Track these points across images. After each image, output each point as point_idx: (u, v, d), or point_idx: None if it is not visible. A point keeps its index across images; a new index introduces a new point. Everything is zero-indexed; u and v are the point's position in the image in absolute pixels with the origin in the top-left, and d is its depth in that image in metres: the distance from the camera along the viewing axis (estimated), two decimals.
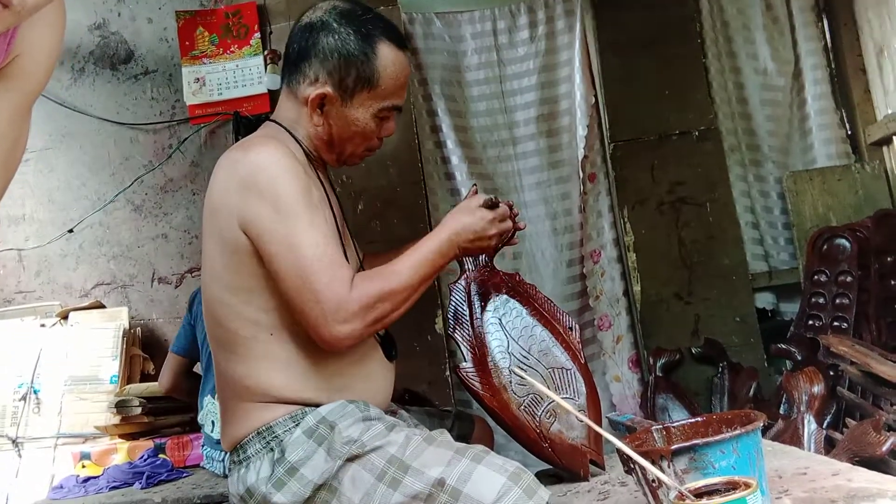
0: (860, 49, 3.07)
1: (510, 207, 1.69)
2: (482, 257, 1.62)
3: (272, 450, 1.30)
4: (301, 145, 1.42)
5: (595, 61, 3.03)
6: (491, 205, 1.44)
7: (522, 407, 1.51)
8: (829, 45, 3.19)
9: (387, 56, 1.40)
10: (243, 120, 2.95)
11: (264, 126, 1.48)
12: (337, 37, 1.39)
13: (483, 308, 1.58)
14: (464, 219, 1.40)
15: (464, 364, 1.54)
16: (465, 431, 1.69)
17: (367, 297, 1.25)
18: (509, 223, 1.48)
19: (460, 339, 1.56)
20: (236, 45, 3.06)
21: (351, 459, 1.25)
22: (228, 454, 1.40)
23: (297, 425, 1.30)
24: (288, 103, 1.46)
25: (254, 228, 1.27)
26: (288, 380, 1.32)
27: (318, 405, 1.32)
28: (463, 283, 1.60)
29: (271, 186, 1.27)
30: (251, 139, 1.39)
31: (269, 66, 2.99)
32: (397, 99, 1.44)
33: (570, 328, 1.63)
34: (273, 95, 3.01)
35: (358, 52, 1.38)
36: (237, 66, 3.04)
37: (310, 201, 1.29)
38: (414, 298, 1.34)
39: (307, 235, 1.25)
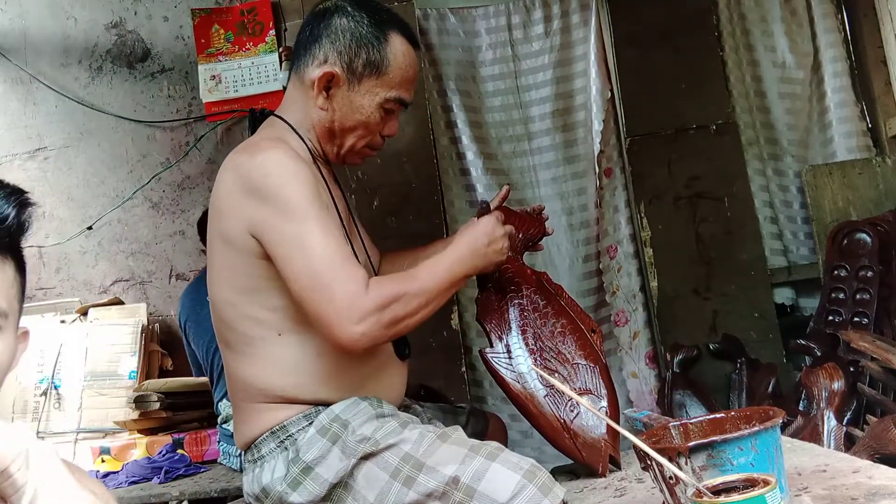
0: (881, 40, 3.03)
1: (539, 212, 1.69)
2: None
3: (286, 449, 1.30)
4: (305, 142, 1.40)
5: (611, 55, 3.01)
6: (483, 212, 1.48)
7: (547, 397, 1.51)
8: (849, 36, 3.14)
9: (397, 46, 1.40)
10: (259, 117, 2.96)
11: (268, 123, 1.46)
12: (350, 19, 1.39)
13: (512, 299, 1.59)
14: (470, 230, 1.42)
15: (491, 349, 1.54)
16: (479, 428, 1.69)
17: (382, 297, 1.22)
18: (511, 227, 1.47)
19: (489, 326, 1.56)
20: (252, 43, 3.07)
21: (365, 457, 1.25)
22: (243, 452, 1.41)
23: (310, 424, 1.30)
24: (294, 92, 1.44)
25: (264, 234, 1.26)
26: (299, 381, 1.32)
27: (330, 404, 1.32)
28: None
29: (279, 191, 1.25)
30: (256, 141, 1.37)
31: (284, 63, 3.00)
32: (404, 92, 1.42)
33: (593, 331, 1.63)
34: None
35: (370, 35, 1.38)
36: (253, 63, 3.05)
37: (319, 203, 1.27)
38: (433, 305, 1.31)
39: (317, 236, 1.23)
